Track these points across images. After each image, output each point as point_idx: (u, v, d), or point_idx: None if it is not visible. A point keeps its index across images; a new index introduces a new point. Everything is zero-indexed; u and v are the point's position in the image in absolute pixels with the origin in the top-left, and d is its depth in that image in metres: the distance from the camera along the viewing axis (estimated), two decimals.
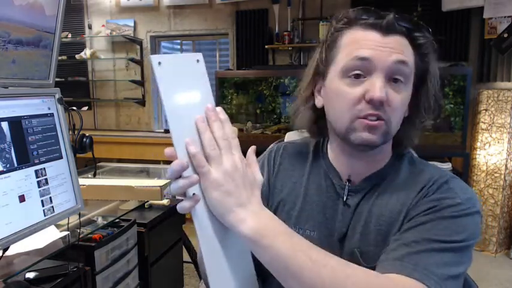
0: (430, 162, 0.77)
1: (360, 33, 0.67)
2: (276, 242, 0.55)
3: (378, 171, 0.74)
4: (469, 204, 0.65)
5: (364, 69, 0.65)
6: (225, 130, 0.57)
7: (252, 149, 0.63)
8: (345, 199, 0.74)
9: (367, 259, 0.69)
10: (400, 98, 0.66)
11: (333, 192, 0.76)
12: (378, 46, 0.65)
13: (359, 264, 0.68)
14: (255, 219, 0.55)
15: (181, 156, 0.55)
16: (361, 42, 0.66)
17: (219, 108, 0.59)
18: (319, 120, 0.79)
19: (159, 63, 0.54)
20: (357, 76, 0.66)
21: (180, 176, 0.55)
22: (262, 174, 0.86)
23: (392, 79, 0.66)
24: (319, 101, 0.76)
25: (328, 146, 0.81)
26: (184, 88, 0.57)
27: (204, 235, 0.58)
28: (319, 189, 0.78)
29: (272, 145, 1.22)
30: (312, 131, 0.82)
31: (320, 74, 0.74)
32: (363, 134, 0.66)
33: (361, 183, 0.74)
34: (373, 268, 0.64)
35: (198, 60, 0.59)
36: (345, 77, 0.67)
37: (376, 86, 0.64)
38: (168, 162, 0.58)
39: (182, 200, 0.56)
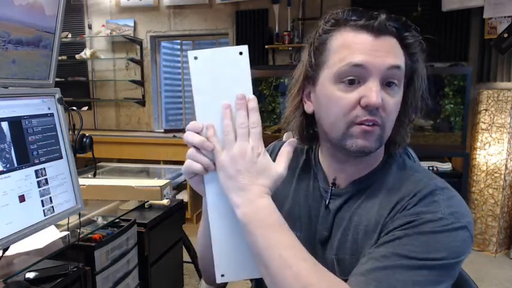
0: (425, 167, 0.75)
1: (350, 35, 0.65)
2: (256, 232, 0.58)
3: (365, 176, 0.72)
4: (452, 219, 0.60)
5: (359, 74, 0.63)
6: (249, 119, 0.59)
7: (289, 142, 0.65)
8: (327, 202, 0.73)
9: (343, 267, 0.67)
10: (394, 102, 0.65)
11: (318, 195, 0.76)
12: (370, 50, 0.63)
13: (333, 272, 0.66)
14: (247, 207, 0.58)
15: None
16: (353, 46, 0.64)
17: (252, 96, 0.60)
18: (309, 126, 0.77)
19: (195, 57, 0.58)
20: (351, 82, 0.64)
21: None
22: None
23: (386, 83, 0.64)
24: (308, 107, 0.73)
25: (319, 149, 0.80)
26: (219, 82, 0.59)
27: (213, 204, 0.63)
28: (307, 190, 0.78)
29: (271, 145, 1.22)
30: (303, 137, 0.79)
31: (309, 78, 0.71)
32: (359, 141, 0.65)
33: (345, 187, 0.73)
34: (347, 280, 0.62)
35: (241, 53, 0.59)
36: (338, 83, 0.65)
37: (372, 91, 0.62)
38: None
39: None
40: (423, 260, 0.57)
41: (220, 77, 0.59)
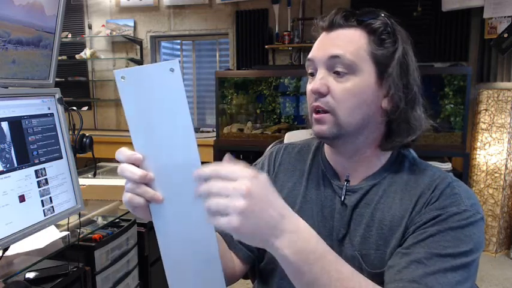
0: (430, 163, 0.77)
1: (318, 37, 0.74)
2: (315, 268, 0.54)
3: (377, 172, 0.74)
4: (473, 211, 0.65)
5: (313, 67, 0.72)
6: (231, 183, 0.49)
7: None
8: (342, 199, 0.74)
9: (368, 262, 0.69)
10: (343, 87, 0.68)
11: (330, 192, 0.77)
12: (320, 45, 0.72)
13: (361, 267, 0.69)
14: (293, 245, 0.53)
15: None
16: (314, 45, 0.74)
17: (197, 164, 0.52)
18: None
19: (122, 77, 0.52)
20: (311, 74, 0.73)
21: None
22: None
23: (334, 72, 0.69)
24: None
25: (325, 146, 0.82)
26: (152, 103, 0.53)
27: (164, 234, 0.57)
28: (317, 188, 0.79)
29: (272, 145, 1.22)
30: None
31: None
32: (315, 127, 0.72)
33: (359, 183, 0.74)
34: (376, 274, 0.66)
35: (172, 70, 0.52)
36: (308, 76, 0.75)
37: (315, 79, 0.70)
38: None
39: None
40: (458, 257, 0.61)
41: (152, 98, 0.52)
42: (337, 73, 0.69)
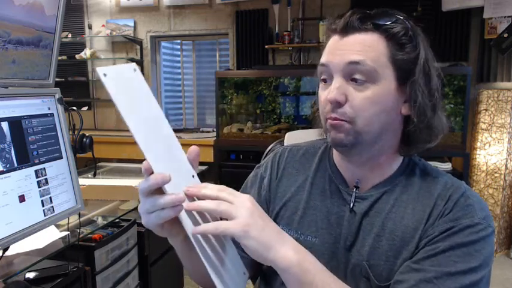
0: (431, 163, 0.76)
1: (329, 40, 0.70)
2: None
3: (387, 179, 0.72)
4: (485, 224, 0.64)
5: (327, 73, 0.68)
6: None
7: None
8: (351, 206, 0.72)
9: (377, 273, 0.67)
10: (362, 96, 0.65)
11: (337, 198, 0.74)
12: (334, 50, 0.67)
13: (368, 277, 0.67)
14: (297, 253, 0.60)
15: (158, 169, 0.56)
16: (326, 48, 0.70)
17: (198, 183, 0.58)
18: None
19: (105, 74, 0.54)
20: (324, 80, 0.69)
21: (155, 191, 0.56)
22: (264, 178, 0.84)
23: (352, 79, 0.65)
24: None
25: (333, 151, 0.79)
26: (137, 98, 0.57)
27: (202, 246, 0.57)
28: (323, 194, 0.76)
29: (273, 145, 1.21)
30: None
31: None
32: (331, 134, 0.68)
33: (368, 190, 0.72)
34: (382, 287, 0.65)
35: (135, 70, 0.57)
36: (320, 82, 0.71)
37: (331, 88, 0.66)
38: None
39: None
40: (468, 273, 0.61)
41: (133, 94, 0.57)
42: (354, 80, 0.65)
